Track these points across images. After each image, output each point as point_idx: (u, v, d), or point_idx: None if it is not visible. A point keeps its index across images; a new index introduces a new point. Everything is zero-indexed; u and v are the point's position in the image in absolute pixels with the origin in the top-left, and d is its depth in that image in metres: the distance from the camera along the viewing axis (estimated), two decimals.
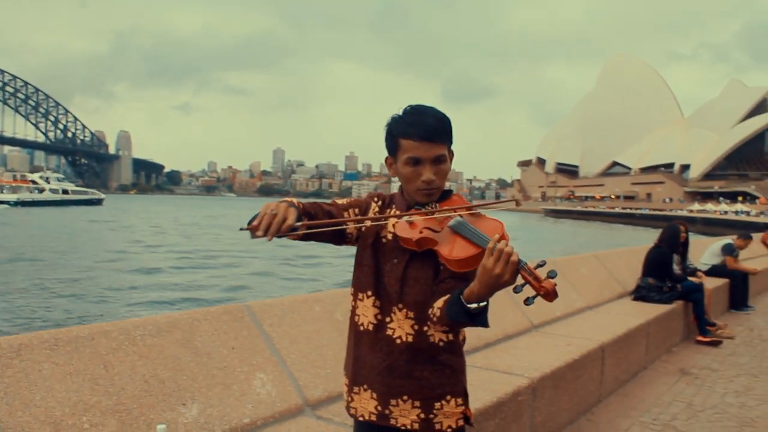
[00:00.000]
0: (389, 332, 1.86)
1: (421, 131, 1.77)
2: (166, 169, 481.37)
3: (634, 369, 5.60)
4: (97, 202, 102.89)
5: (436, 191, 1.84)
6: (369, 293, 1.89)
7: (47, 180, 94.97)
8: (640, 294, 6.90)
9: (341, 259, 24.32)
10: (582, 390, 4.47)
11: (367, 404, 1.89)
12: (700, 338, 7.01)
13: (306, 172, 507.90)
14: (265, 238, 1.57)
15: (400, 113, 1.84)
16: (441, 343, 1.86)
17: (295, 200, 1.72)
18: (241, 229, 1.60)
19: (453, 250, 1.68)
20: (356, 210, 1.94)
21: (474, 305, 1.57)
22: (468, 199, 1.91)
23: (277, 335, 3.17)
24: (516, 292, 1.52)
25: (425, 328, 1.84)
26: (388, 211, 1.96)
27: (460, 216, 1.76)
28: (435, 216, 1.77)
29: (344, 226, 1.88)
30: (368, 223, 1.90)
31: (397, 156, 1.84)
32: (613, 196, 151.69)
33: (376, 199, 1.99)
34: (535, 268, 1.54)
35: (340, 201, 1.95)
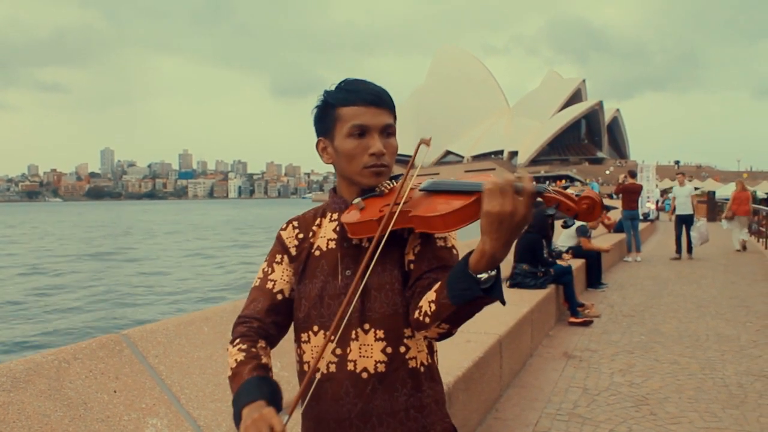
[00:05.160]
0: (350, 367, 1.41)
1: (366, 95, 1.46)
2: None
3: (524, 358, 5.52)
4: None
5: (386, 170, 1.47)
6: (315, 328, 1.46)
7: None
8: (516, 281, 6.89)
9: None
10: (486, 387, 4.27)
11: None
12: (572, 320, 7.14)
13: (138, 172, 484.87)
14: None
15: (334, 87, 1.50)
16: (422, 368, 1.46)
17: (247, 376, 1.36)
18: None
19: (437, 207, 1.29)
20: (277, 257, 1.57)
21: (484, 275, 1.15)
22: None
23: (165, 368, 2.62)
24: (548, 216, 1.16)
25: (401, 349, 1.43)
26: (320, 220, 1.56)
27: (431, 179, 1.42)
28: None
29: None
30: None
31: (335, 131, 1.48)
32: None
33: (284, 227, 1.60)
34: None
35: (256, 282, 1.55)
